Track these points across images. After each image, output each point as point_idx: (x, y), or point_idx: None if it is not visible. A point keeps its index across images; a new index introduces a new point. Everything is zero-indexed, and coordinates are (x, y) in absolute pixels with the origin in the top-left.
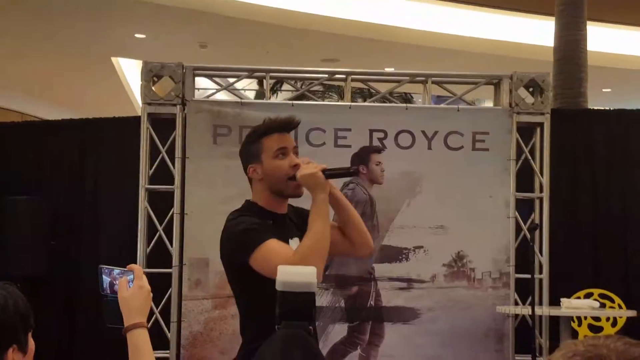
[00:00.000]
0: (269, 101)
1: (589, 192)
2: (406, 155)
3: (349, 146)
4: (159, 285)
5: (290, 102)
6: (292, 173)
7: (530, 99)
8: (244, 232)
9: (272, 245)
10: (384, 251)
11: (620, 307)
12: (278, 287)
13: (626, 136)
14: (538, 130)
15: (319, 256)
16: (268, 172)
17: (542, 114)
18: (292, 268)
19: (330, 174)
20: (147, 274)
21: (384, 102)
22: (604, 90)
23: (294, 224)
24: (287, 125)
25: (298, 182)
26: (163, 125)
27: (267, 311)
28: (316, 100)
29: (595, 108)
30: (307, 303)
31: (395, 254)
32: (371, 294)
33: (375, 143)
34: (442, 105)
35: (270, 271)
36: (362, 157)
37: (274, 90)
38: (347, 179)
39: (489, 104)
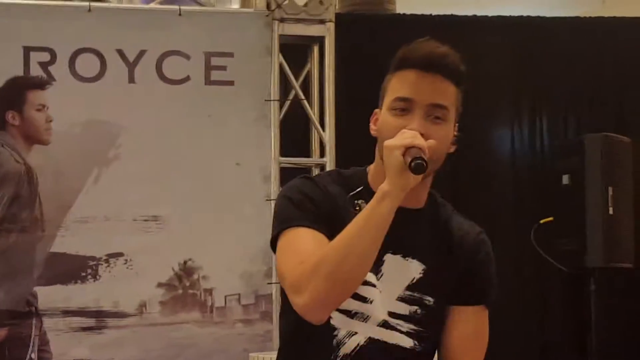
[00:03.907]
0: None
1: None
2: (91, 92)
3: None
4: None
5: None
6: None
7: None
8: (284, 201)
9: (300, 235)
10: (55, 264)
11: None
12: None
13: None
14: (315, 50)
15: (333, 279)
16: (380, 129)
17: (323, 22)
18: None
19: (417, 163)
20: None
21: None
22: None
23: (430, 237)
24: (433, 62)
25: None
26: None
27: (287, 335)
28: None
29: (411, 13)
30: None
31: (74, 269)
32: (32, 341)
33: (36, 71)
34: (152, 5)
35: (279, 273)
36: (13, 97)
37: None
38: None
39: (235, 4)
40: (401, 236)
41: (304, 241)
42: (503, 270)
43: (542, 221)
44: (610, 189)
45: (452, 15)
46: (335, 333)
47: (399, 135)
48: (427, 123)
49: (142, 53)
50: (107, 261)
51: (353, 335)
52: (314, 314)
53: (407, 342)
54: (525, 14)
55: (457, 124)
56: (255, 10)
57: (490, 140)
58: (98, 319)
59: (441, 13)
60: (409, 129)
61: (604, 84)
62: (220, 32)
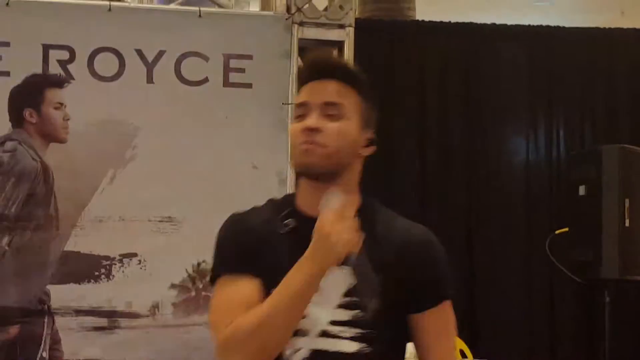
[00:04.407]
0: None
1: (415, 162)
2: (109, 91)
3: (6, 73)
4: None
5: None
6: (302, 139)
7: (322, 1)
8: (215, 245)
9: (228, 288)
10: (69, 263)
11: (463, 354)
12: None
13: (479, 65)
14: (334, 54)
15: (257, 350)
16: (290, 141)
17: (342, 26)
18: None
19: None
20: None
21: None
22: None
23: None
24: (321, 69)
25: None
26: None
27: None
28: None
29: (430, 20)
30: None
31: (87, 268)
32: (44, 339)
33: (55, 69)
34: (172, 6)
35: (210, 322)
36: (31, 94)
37: None
38: (3, 133)
39: (255, 7)
40: None
41: (231, 296)
42: (517, 280)
43: (557, 231)
44: (626, 201)
45: (470, 22)
46: (282, 353)
47: (329, 213)
48: (322, 119)
49: (161, 53)
50: (120, 261)
51: (297, 351)
52: None
53: (352, 347)
54: (544, 24)
55: (370, 129)
56: (275, 13)
57: (506, 149)
58: (110, 319)
59: (460, 21)
60: (304, 126)
61: (621, 95)
62: (240, 34)
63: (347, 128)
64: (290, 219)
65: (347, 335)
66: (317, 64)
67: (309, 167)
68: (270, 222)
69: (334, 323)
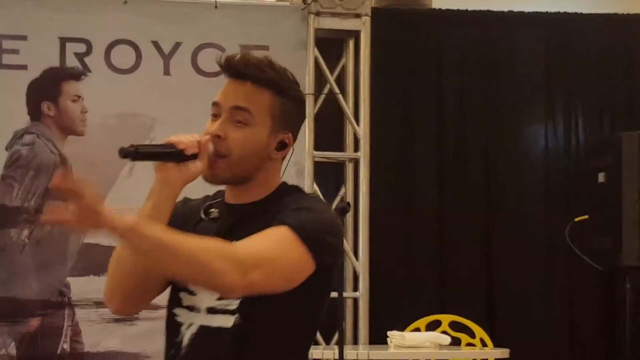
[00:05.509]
0: None
1: (433, 151)
2: (126, 84)
3: (24, 67)
4: None
5: None
6: (210, 142)
7: None
8: None
9: None
10: (89, 255)
11: (483, 343)
12: None
13: (496, 53)
14: (351, 44)
15: (116, 274)
16: None
17: (359, 16)
18: None
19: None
20: None
21: None
22: None
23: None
24: (239, 70)
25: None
26: None
27: None
28: None
29: (447, 8)
30: None
31: (107, 260)
32: (64, 331)
33: (71, 62)
34: None
35: None
36: (48, 87)
37: None
38: (22, 126)
39: None
40: (233, 228)
41: None
42: (536, 268)
43: (577, 219)
44: None
45: (487, 10)
46: (180, 328)
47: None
48: (228, 125)
49: (177, 45)
50: None
51: (190, 326)
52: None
53: (229, 322)
54: (562, 10)
55: (285, 130)
56: (292, 3)
57: (524, 137)
58: None
59: (477, 8)
60: (210, 132)
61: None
62: (256, 25)
63: (251, 136)
64: (214, 209)
65: (233, 308)
66: (230, 64)
67: (212, 179)
68: (200, 207)
69: (220, 298)
